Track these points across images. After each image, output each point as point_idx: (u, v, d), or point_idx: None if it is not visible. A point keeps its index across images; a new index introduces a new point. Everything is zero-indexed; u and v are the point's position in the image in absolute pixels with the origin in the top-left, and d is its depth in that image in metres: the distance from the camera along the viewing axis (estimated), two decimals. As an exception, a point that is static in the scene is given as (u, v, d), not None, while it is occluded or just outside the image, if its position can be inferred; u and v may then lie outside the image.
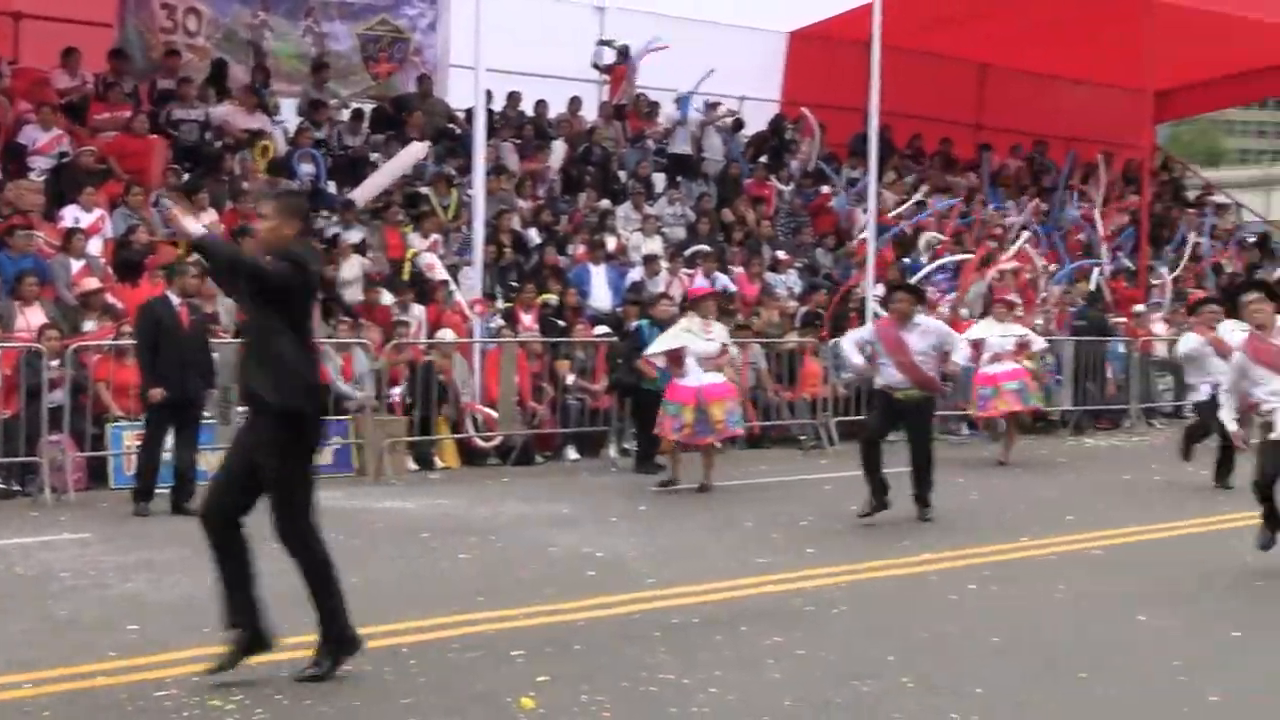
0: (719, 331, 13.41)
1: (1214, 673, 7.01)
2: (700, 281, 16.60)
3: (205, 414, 12.17)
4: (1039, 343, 16.54)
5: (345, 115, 19.09)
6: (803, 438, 16.88)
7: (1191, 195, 29.16)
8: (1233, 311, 12.00)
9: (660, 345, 13.24)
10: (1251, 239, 28.15)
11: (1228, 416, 9.95)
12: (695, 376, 12.93)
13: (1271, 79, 29.43)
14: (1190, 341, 13.54)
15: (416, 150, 18.01)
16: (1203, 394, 13.13)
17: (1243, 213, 30.27)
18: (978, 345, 15.15)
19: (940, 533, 10.83)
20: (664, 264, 18.18)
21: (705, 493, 13.01)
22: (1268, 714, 6.35)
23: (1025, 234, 21.46)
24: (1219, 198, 30.21)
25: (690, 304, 13.67)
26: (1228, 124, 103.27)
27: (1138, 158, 25.69)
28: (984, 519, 11.75)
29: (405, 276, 16.43)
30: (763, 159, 22.46)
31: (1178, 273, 23.57)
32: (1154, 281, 22.83)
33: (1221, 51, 25.53)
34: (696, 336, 13.02)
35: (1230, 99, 35.75)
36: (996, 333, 15.80)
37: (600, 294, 17.57)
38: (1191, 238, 25.29)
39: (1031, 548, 9.36)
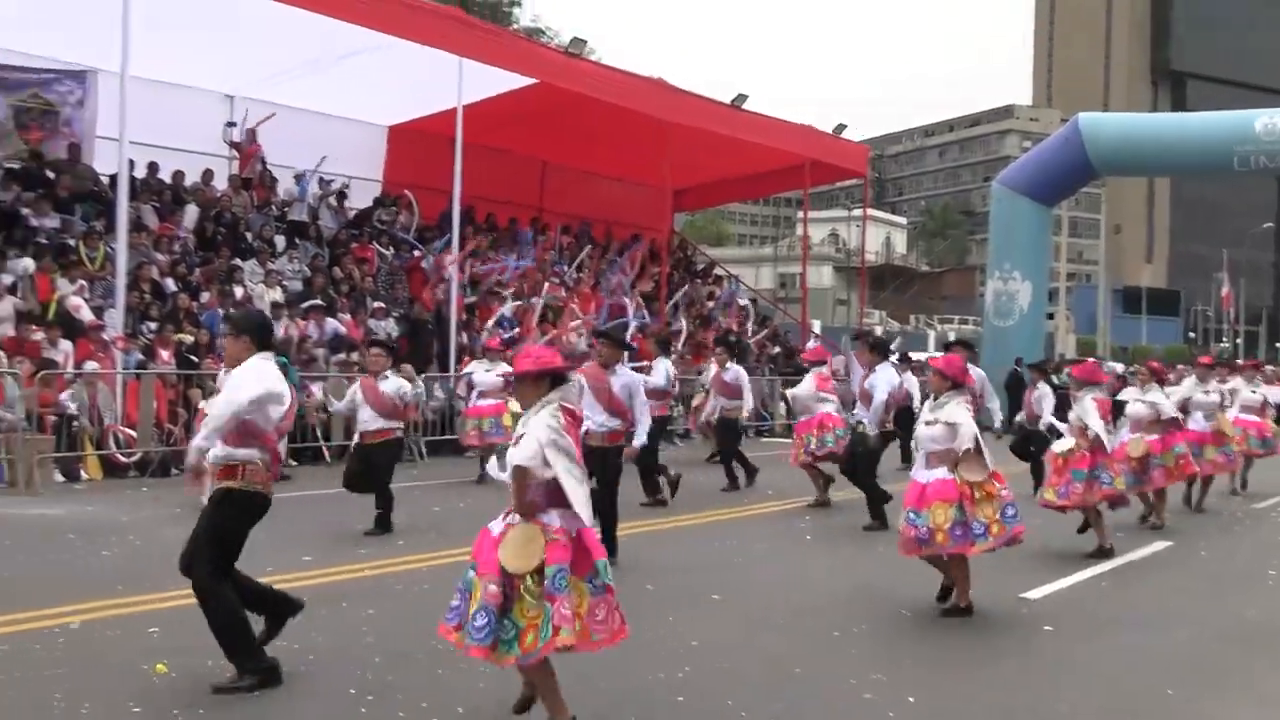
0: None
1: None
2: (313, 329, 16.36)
3: None
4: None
5: (-2, 174, 17.81)
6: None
7: (699, 268, 31.05)
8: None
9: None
10: (744, 303, 30.30)
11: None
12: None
13: (761, 183, 32.04)
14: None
15: None
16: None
17: (737, 283, 32.44)
18: None
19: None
20: (284, 312, 17.92)
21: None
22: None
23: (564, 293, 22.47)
24: (719, 271, 32.34)
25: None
26: (731, 214, 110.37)
27: (659, 238, 27.32)
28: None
29: (52, 316, 15.55)
30: (366, 228, 22.44)
31: (690, 327, 25.07)
32: (673, 330, 24.15)
33: (724, 161, 27.51)
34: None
35: (730, 196, 38.41)
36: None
37: (229, 334, 17.09)
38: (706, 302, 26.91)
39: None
